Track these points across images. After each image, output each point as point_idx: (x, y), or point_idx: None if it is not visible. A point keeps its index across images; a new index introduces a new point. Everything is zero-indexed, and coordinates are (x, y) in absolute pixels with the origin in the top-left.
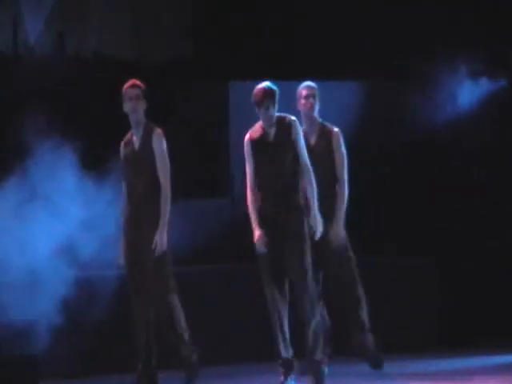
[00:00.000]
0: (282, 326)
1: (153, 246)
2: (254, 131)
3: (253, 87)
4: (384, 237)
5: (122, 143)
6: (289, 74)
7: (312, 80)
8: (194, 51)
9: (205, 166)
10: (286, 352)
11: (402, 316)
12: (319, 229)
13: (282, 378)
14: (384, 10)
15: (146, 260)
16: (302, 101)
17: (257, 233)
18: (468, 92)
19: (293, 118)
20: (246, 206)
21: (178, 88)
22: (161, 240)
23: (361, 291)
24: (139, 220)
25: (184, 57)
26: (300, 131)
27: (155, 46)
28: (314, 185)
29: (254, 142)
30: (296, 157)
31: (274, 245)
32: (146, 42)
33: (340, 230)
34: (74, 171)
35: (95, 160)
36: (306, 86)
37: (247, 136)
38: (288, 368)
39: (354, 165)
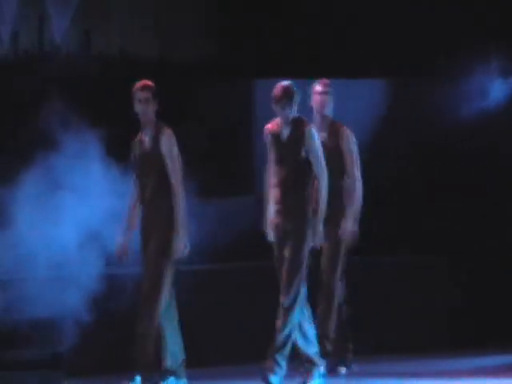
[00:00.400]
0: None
1: (176, 251)
2: (273, 124)
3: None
4: (403, 236)
5: (134, 142)
6: (313, 73)
7: (336, 78)
8: (218, 50)
9: (229, 165)
10: (308, 349)
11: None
12: (317, 240)
13: (304, 376)
14: (411, 7)
15: (149, 261)
16: (315, 97)
17: (268, 220)
18: (498, 90)
19: (311, 124)
20: None
21: (202, 86)
22: (181, 244)
23: (335, 301)
24: (150, 219)
25: (208, 55)
26: (315, 138)
27: (179, 44)
28: (325, 195)
29: (271, 136)
30: (308, 161)
31: (278, 245)
32: (170, 41)
33: (349, 227)
34: (100, 165)
35: (121, 153)
36: (319, 83)
37: (267, 126)
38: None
39: (375, 163)
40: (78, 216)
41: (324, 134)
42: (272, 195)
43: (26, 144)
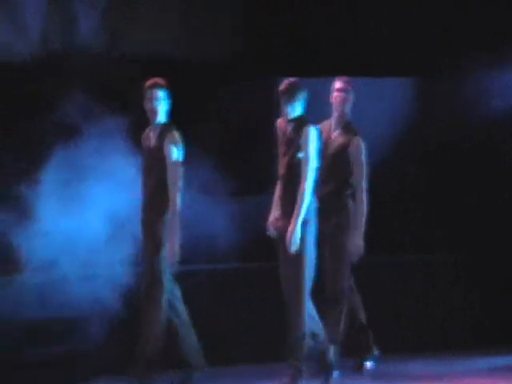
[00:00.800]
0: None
1: (167, 260)
2: (282, 120)
3: (303, 84)
4: (432, 234)
5: (142, 137)
6: (340, 71)
7: (364, 77)
8: (243, 48)
9: (253, 163)
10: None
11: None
12: (293, 243)
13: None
14: (442, 5)
15: (147, 261)
16: (334, 93)
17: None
18: None
19: (313, 126)
20: None
21: (227, 85)
22: (172, 253)
23: (343, 305)
24: (148, 218)
25: (234, 54)
26: (312, 139)
27: (204, 43)
28: (305, 196)
29: (279, 131)
30: (300, 161)
31: (278, 241)
32: (195, 40)
33: (359, 241)
34: (128, 163)
35: None
36: (339, 80)
37: (278, 121)
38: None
39: (405, 162)
40: (108, 210)
41: (336, 133)
42: (276, 191)
43: (55, 143)
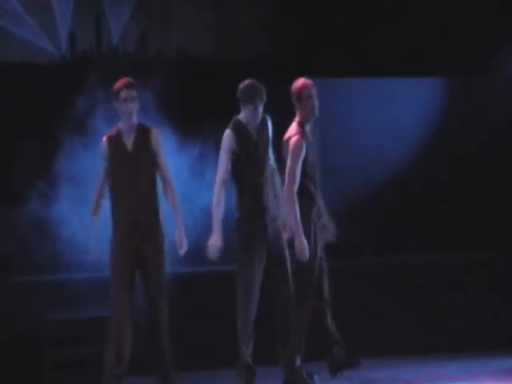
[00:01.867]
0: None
1: (180, 248)
2: (237, 125)
3: (332, 84)
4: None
5: (105, 142)
6: (368, 72)
7: (391, 77)
8: (274, 49)
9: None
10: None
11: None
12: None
13: None
14: (470, 6)
15: (150, 263)
16: (311, 99)
17: (215, 237)
18: None
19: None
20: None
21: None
22: (182, 241)
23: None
24: (142, 224)
25: (264, 54)
26: None
27: (236, 44)
28: (284, 190)
29: (239, 136)
30: (269, 157)
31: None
32: (226, 41)
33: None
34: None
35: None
36: (309, 84)
37: (228, 131)
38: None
39: (433, 163)
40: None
41: (312, 137)
42: (247, 197)
43: (86, 144)
